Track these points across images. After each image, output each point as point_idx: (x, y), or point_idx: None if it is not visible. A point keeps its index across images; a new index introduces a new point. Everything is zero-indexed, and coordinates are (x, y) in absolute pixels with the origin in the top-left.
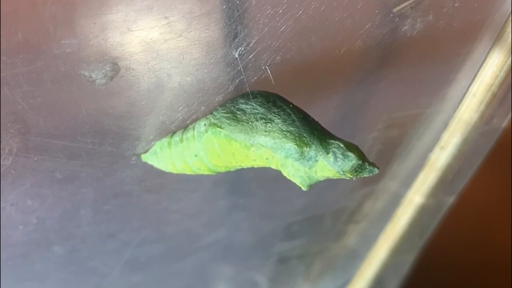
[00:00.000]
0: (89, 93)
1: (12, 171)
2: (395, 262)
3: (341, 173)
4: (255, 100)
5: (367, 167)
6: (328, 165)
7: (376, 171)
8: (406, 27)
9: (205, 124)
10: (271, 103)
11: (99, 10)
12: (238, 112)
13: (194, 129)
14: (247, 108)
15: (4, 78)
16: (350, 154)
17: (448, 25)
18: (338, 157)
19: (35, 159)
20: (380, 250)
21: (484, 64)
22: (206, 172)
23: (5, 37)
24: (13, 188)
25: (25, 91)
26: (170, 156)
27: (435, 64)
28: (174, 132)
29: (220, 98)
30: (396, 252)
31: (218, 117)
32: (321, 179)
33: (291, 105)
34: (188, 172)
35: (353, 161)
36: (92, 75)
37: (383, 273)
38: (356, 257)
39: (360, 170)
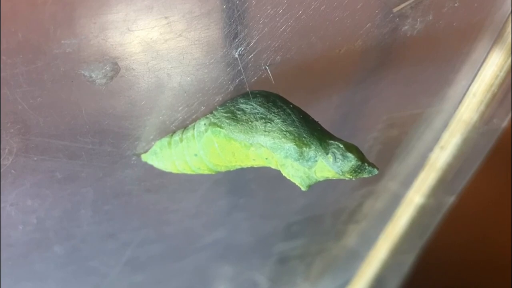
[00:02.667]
0: (89, 93)
1: (12, 171)
2: (395, 262)
3: (340, 173)
4: (255, 100)
5: (367, 167)
6: (327, 166)
7: (376, 171)
8: (406, 27)
9: (205, 124)
10: (271, 103)
11: (99, 10)
12: (238, 112)
13: (194, 128)
14: (247, 108)
15: (4, 78)
16: (349, 155)
17: (448, 25)
18: (338, 158)
19: (35, 159)
20: (380, 250)
21: (484, 64)
22: (206, 172)
23: (5, 37)
24: (13, 188)
25: (25, 91)
26: (170, 156)
27: (435, 64)
28: (174, 132)
29: (220, 98)
30: (396, 252)
31: (218, 116)
32: (321, 180)
33: (291, 105)
34: (188, 171)
35: (352, 162)
36: (92, 75)
37: (383, 273)
38: (356, 257)
39: (359, 171)
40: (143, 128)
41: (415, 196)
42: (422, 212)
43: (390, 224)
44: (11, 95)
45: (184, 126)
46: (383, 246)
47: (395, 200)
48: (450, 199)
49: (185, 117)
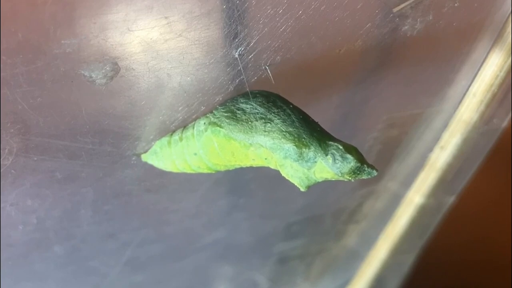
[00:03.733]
0: (89, 93)
1: (12, 171)
2: (395, 262)
3: (340, 175)
4: (255, 99)
5: (366, 169)
6: (326, 167)
7: (375, 173)
8: (406, 27)
9: (204, 123)
10: (271, 103)
11: (99, 10)
12: (238, 112)
13: (193, 127)
14: (247, 108)
15: (4, 78)
16: (348, 156)
17: (448, 25)
18: (337, 159)
19: (35, 159)
20: (380, 250)
21: (484, 64)
22: (206, 171)
23: (5, 37)
24: (13, 188)
25: (25, 91)
26: (170, 155)
27: (435, 64)
28: (173, 131)
29: (220, 98)
30: (396, 252)
31: (218, 116)
32: (320, 180)
33: (291, 106)
34: (187, 170)
35: (352, 163)
36: (92, 75)
37: (383, 273)
38: (356, 257)
39: (358, 172)
40: (143, 128)
41: (415, 196)
42: (422, 212)
43: (390, 224)
44: (11, 95)
45: (184, 126)
46: (383, 246)
47: (395, 200)
48: (450, 199)
49: (185, 117)
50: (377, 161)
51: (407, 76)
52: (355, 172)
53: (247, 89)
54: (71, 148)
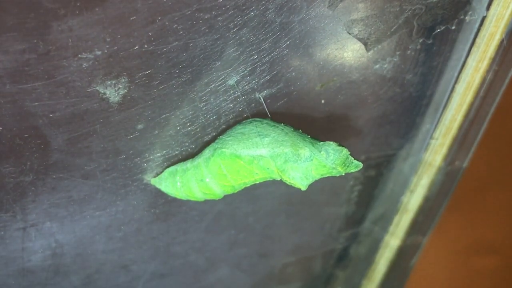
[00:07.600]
0: (104, 110)
1: (33, 188)
2: None
3: (334, 167)
4: (250, 124)
5: (353, 161)
6: (322, 162)
7: (361, 165)
8: (377, 66)
9: (209, 150)
10: (265, 124)
11: (115, 26)
12: (238, 135)
13: (200, 157)
14: (245, 131)
15: (26, 90)
16: (340, 148)
17: (412, 67)
18: (330, 153)
19: (54, 177)
20: None
21: (445, 107)
22: (211, 197)
23: (28, 48)
24: (33, 207)
25: (44, 104)
26: (176, 182)
27: (403, 105)
28: (183, 162)
29: (224, 126)
30: None
31: (221, 142)
32: (317, 177)
33: (282, 124)
34: (192, 198)
35: (343, 152)
36: (107, 92)
37: None
38: None
39: (348, 164)
40: (154, 151)
41: (391, 239)
42: (399, 255)
43: (370, 269)
44: (32, 108)
45: (192, 153)
46: None
47: (375, 244)
48: (423, 240)
49: (194, 145)
50: (359, 201)
51: (379, 116)
52: (345, 163)
53: (245, 116)
54: (86, 167)
